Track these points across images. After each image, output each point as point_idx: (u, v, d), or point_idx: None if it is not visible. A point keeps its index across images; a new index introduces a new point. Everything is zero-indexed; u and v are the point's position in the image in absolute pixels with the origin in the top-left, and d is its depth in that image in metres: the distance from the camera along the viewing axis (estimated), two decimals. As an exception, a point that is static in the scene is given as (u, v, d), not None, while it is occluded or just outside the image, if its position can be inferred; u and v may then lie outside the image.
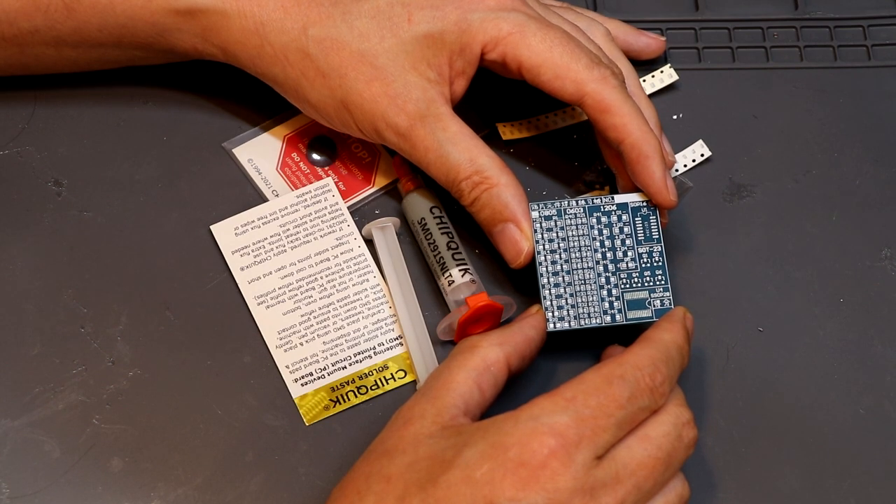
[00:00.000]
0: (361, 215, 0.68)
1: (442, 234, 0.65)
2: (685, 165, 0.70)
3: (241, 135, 0.70)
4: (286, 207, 0.67)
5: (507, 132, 0.70)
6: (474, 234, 0.67)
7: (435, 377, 0.58)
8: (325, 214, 0.67)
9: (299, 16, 0.64)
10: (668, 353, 0.57)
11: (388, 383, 0.64)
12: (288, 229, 0.67)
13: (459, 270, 0.64)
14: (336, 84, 0.64)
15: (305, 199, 0.68)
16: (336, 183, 0.69)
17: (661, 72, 0.72)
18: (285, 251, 0.66)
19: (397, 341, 0.65)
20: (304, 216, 0.67)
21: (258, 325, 0.64)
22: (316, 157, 0.70)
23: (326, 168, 0.69)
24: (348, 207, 0.68)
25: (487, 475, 0.53)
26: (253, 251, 0.66)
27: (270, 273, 0.66)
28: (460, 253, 0.65)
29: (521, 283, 0.66)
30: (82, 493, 0.61)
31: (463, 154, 0.63)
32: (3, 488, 0.60)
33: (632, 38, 0.72)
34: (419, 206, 0.67)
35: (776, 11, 0.75)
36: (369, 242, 0.67)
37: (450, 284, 0.64)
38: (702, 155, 0.70)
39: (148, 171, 0.69)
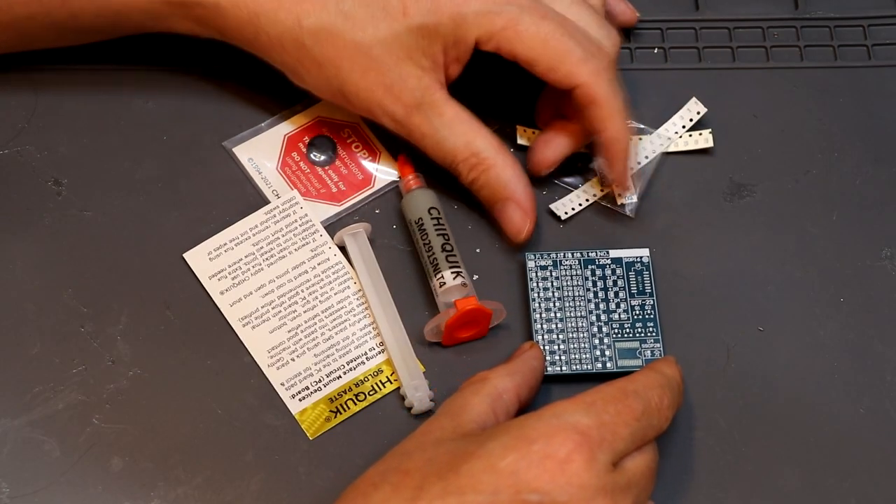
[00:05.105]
0: (361, 215, 0.68)
1: (438, 235, 0.65)
2: (683, 126, 0.70)
3: (241, 134, 0.70)
4: (256, 226, 0.67)
5: (525, 137, 0.70)
6: (476, 235, 0.67)
7: (451, 401, 0.58)
8: (297, 227, 0.67)
9: (293, 6, 0.64)
10: (670, 384, 0.58)
11: (384, 387, 0.63)
12: (262, 247, 0.66)
13: (452, 273, 0.64)
14: (332, 74, 0.65)
15: (274, 215, 0.67)
16: (336, 183, 0.69)
17: (700, 134, 0.71)
18: (262, 269, 0.66)
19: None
20: (275, 232, 0.67)
21: (246, 346, 0.64)
22: (316, 156, 0.70)
23: (326, 168, 0.69)
24: (348, 207, 0.68)
25: (512, 465, 0.53)
26: (230, 273, 0.66)
27: (251, 293, 0.65)
28: (454, 255, 0.65)
29: (517, 288, 0.66)
30: (82, 493, 0.61)
31: (459, 138, 0.65)
32: (3, 488, 0.60)
33: (611, 2, 0.72)
34: (417, 206, 0.67)
35: (776, 11, 0.75)
36: (343, 250, 0.67)
37: (441, 286, 0.64)
38: (698, 113, 0.70)
39: (148, 170, 0.69)
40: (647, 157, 0.69)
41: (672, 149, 0.70)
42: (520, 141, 0.70)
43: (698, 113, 0.70)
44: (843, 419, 0.63)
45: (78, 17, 0.66)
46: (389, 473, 0.54)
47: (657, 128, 0.71)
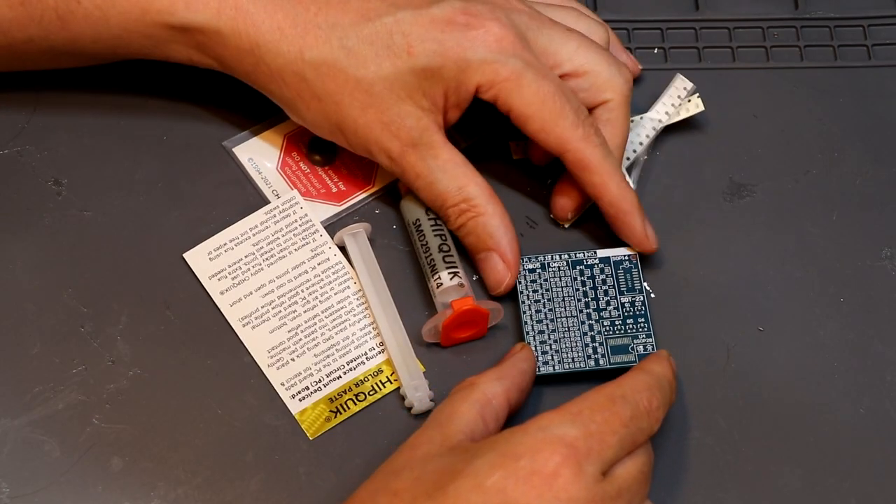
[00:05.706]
0: (361, 215, 0.68)
1: (435, 236, 0.65)
2: (673, 105, 0.70)
3: (241, 134, 0.70)
4: (256, 226, 0.67)
5: (520, 152, 0.70)
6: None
7: (439, 410, 0.58)
8: (297, 227, 0.67)
9: (296, 39, 0.64)
10: (660, 383, 0.58)
11: (384, 387, 0.63)
12: (262, 247, 0.66)
13: (449, 273, 0.64)
14: (331, 109, 0.64)
15: (274, 215, 0.67)
16: (336, 183, 0.69)
17: (689, 100, 0.71)
18: (262, 269, 0.66)
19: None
20: (275, 232, 0.67)
21: (246, 346, 0.64)
22: (316, 156, 0.70)
23: (326, 168, 0.69)
24: (348, 208, 0.68)
25: (499, 483, 0.53)
26: (230, 273, 0.66)
27: (251, 293, 0.65)
28: (452, 256, 0.65)
29: (516, 288, 0.66)
30: (82, 493, 0.61)
31: (452, 182, 0.65)
32: (3, 488, 0.60)
33: (614, 52, 0.71)
34: (415, 207, 0.67)
35: (776, 11, 0.75)
36: (343, 250, 0.67)
37: (438, 287, 0.64)
38: (685, 89, 0.70)
39: (148, 170, 0.69)
40: (641, 143, 0.69)
41: (666, 122, 0.70)
42: (515, 157, 0.70)
43: (685, 89, 0.70)
44: (843, 419, 0.63)
45: (77, 41, 0.66)
46: (378, 494, 0.54)
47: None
